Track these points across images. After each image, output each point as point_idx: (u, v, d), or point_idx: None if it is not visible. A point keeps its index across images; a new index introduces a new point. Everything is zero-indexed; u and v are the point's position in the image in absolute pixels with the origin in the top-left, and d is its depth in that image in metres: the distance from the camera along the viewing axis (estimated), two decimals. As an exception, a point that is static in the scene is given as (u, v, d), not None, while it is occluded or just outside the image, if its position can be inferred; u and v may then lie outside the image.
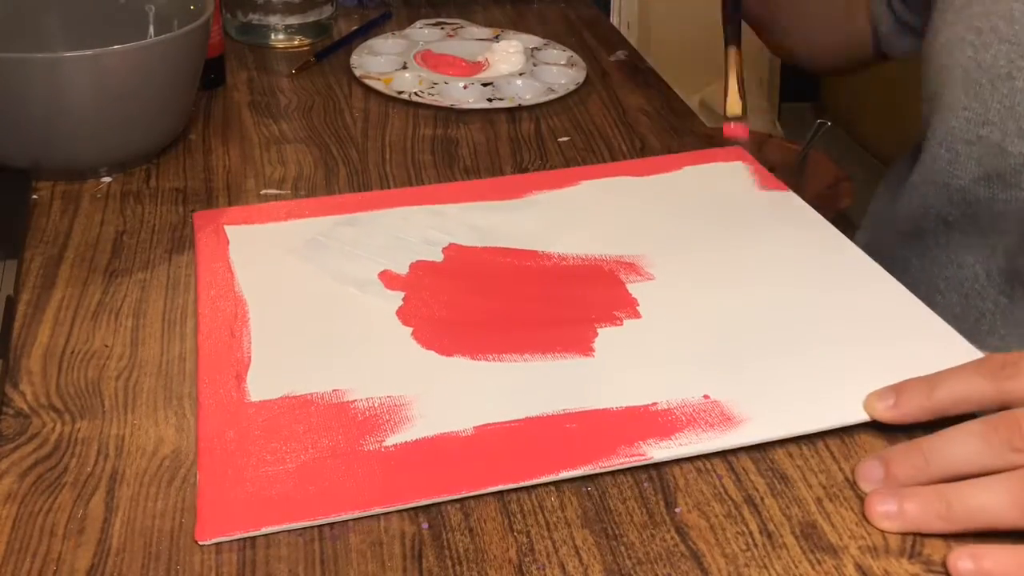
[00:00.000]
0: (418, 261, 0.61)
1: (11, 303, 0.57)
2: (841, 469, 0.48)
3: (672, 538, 0.44)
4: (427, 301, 0.58)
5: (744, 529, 0.45)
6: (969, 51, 0.65)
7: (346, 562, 0.43)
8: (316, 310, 0.57)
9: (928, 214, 0.71)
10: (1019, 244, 0.65)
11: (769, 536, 0.45)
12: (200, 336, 0.55)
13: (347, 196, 0.70)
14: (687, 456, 0.48)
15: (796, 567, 0.43)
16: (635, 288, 0.59)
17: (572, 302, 0.58)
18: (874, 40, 0.84)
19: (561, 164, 0.76)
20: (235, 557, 0.43)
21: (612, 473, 0.47)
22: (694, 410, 0.50)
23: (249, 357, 0.53)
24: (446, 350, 0.54)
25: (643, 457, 0.47)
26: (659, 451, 0.48)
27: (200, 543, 0.43)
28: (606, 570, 0.43)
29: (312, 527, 0.44)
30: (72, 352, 0.54)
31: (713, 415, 0.50)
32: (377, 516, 0.45)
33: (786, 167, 1.76)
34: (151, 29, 0.80)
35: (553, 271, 0.61)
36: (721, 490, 0.47)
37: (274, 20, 0.96)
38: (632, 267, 0.61)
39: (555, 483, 0.47)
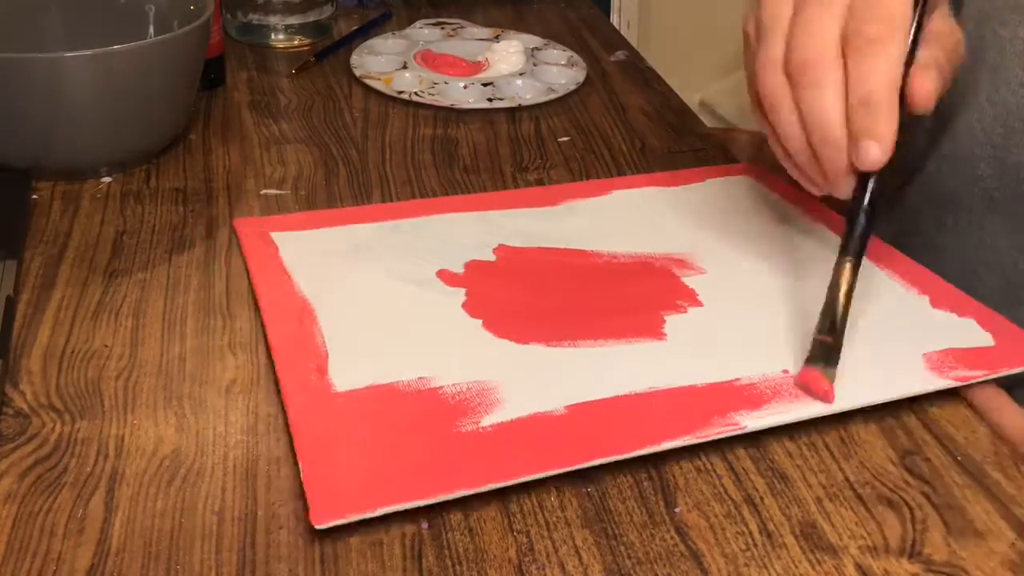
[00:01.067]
0: (472, 261, 0.62)
1: (11, 303, 0.57)
2: (841, 469, 0.48)
3: (672, 538, 0.44)
4: (490, 295, 0.59)
5: (744, 529, 0.45)
6: (1022, 31, 0.63)
7: (346, 562, 0.43)
8: (381, 305, 0.58)
9: (974, 189, 0.69)
10: None
11: (769, 536, 0.45)
12: (270, 335, 0.55)
13: (384, 206, 0.69)
14: (779, 425, 0.49)
15: (796, 567, 0.43)
16: (690, 281, 0.60)
17: (631, 293, 0.59)
18: None
19: (561, 164, 0.76)
20: (235, 557, 0.43)
21: (612, 473, 0.47)
22: (777, 383, 0.51)
23: (326, 351, 0.53)
24: (521, 338, 0.55)
25: (737, 427, 0.49)
26: (752, 421, 0.49)
27: (317, 527, 0.43)
28: (606, 570, 0.43)
29: (415, 508, 0.44)
30: (72, 352, 0.54)
31: (796, 388, 0.51)
32: (377, 516, 0.45)
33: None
34: (151, 29, 0.80)
35: (605, 267, 0.62)
36: (721, 490, 0.47)
37: (274, 20, 0.96)
38: (682, 263, 0.62)
39: (555, 484, 0.47)
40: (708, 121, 0.87)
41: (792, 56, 0.53)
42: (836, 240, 0.63)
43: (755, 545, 0.44)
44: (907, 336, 0.56)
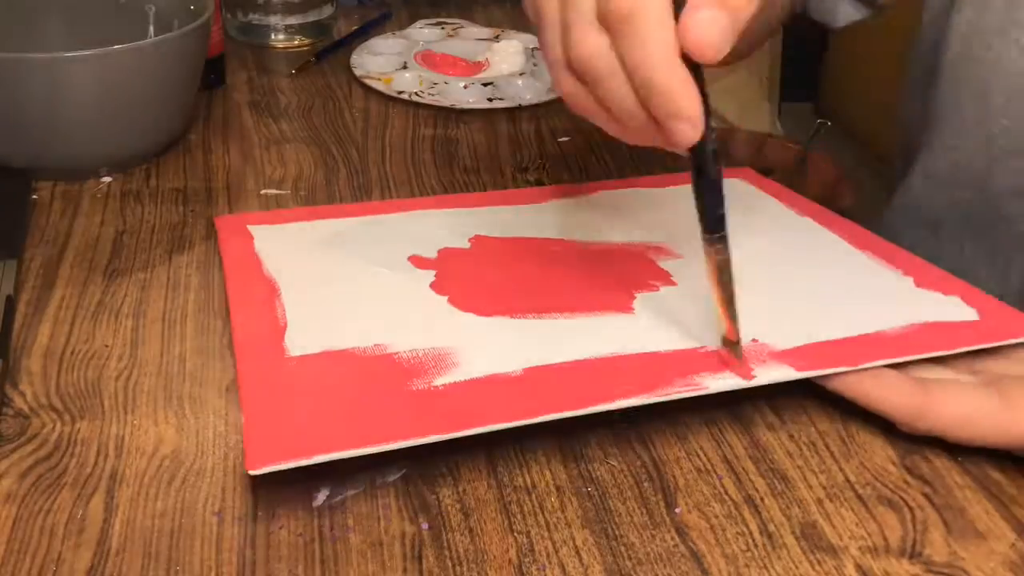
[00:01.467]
0: (446, 248, 0.62)
1: (11, 303, 0.57)
2: (841, 469, 0.48)
3: (672, 538, 0.44)
4: (460, 276, 0.58)
5: (744, 529, 0.45)
6: (1015, 52, 0.60)
7: (346, 562, 0.43)
8: (347, 284, 0.58)
9: (955, 212, 0.68)
10: None
11: (769, 536, 0.45)
12: (232, 310, 0.55)
13: (370, 203, 0.70)
14: (742, 388, 0.49)
15: (796, 567, 0.43)
16: (665, 263, 0.60)
17: (604, 273, 0.59)
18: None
19: (561, 164, 0.76)
20: (235, 557, 0.43)
21: (612, 473, 0.47)
22: (745, 351, 0.50)
23: (285, 323, 0.53)
24: (485, 311, 0.55)
25: (699, 387, 0.48)
26: (715, 382, 0.48)
27: (250, 472, 0.43)
28: (606, 570, 0.43)
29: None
30: (72, 352, 0.54)
31: (764, 355, 0.50)
32: (377, 516, 0.45)
33: (786, 167, 1.77)
34: (151, 29, 0.80)
35: (580, 252, 0.62)
36: (721, 490, 0.47)
37: (274, 20, 0.96)
38: (660, 249, 0.62)
39: (555, 484, 0.47)
40: (708, 121, 0.87)
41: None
42: (828, 236, 0.63)
43: (755, 546, 0.44)
44: (890, 312, 0.55)
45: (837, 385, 0.50)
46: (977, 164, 0.65)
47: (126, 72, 0.69)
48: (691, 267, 0.59)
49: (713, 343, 0.51)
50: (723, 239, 0.48)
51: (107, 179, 0.72)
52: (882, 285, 0.58)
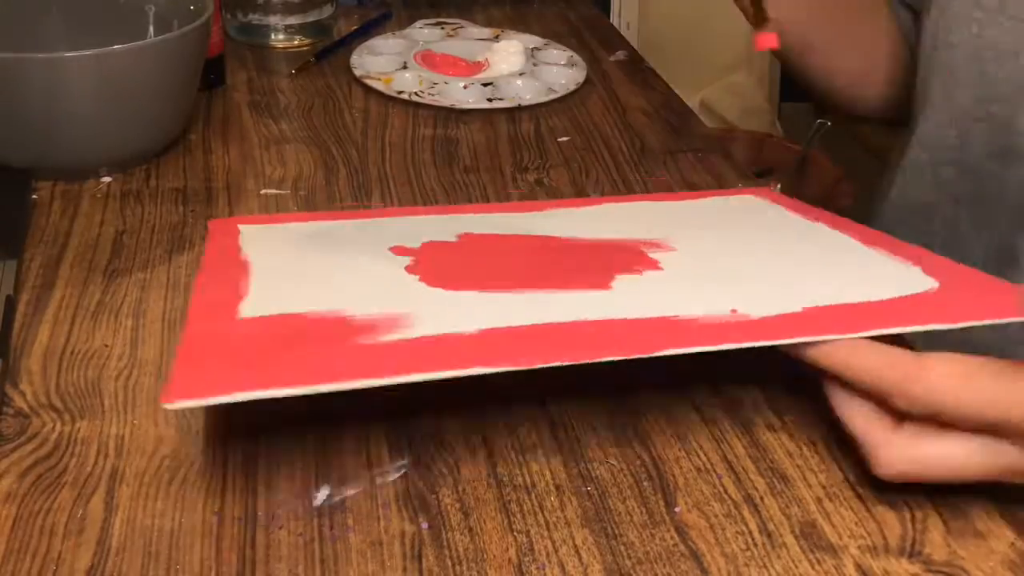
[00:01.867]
0: (432, 241, 0.60)
1: (11, 303, 0.57)
2: (841, 469, 0.48)
3: (672, 538, 0.44)
4: (438, 261, 0.56)
5: (744, 529, 0.45)
6: (974, 28, 0.65)
7: (346, 562, 0.43)
8: (321, 266, 0.56)
9: (940, 192, 0.70)
10: (1016, 220, 0.66)
11: (769, 536, 0.45)
12: (196, 285, 0.54)
13: (361, 211, 0.69)
14: (720, 350, 0.45)
15: (796, 567, 0.43)
16: (656, 255, 0.57)
17: (591, 259, 0.57)
18: (902, 47, 0.80)
19: (561, 164, 0.76)
20: (235, 557, 0.43)
21: (612, 473, 0.47)
22: (723, 320, 0.48)
23: (245, 293, 0.52)
24: (454, 286, 0.52)
25: (670, 349, 0.45)
26: (682, 349, 0.45)
27: (164, 405, 0.41)
28: (606, 570, 0.43)
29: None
30: (72, 352, 0.54)
31: (743, 324, 0.48)
32: (377, 516, 0.45)
33: (786, 167, 1.77)
34: (151, 29, 0.80)
35: (572, 245, 0.60)
36: (721, 490, 0.47)
37: (274, 20, 0.96)
38: (653, 244, 0.59)
39: (555, 483, 0.47)
40: (708, 121, 0.87)
41: None
42: (842, 240, 0.61)
43: (755, 545, 0.44)
44: (842, 280, 0.53)
45: (816, 356, 0.47)
46: (950, 139, 0.68)
47: (126, 72, 0.69)
48: (683, 257, 0.57)
49: (690, 310, 0.48)
50: None
51: (107, 179, 0.72)
52: (841, 255, 0.56)
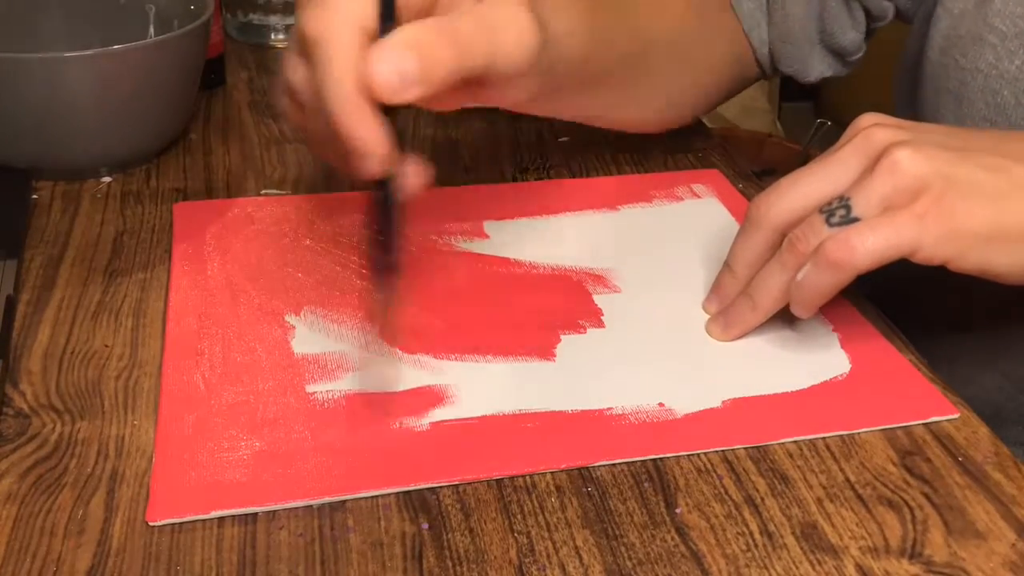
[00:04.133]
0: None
1: (11, 303, 0.57)
2: (841, 469, 0.48)
3: (672, 538, 0.44)
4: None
5: (744, 529, 0.45)
6: (990, 55, 0.62)
7: (346, 562, 0.43)
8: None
9: None
10: None
11: (769, 536, 0.45)
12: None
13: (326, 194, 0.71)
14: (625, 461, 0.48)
15: (796, 567, 0.43)
16: (601, 299, 0.59)
17: (538, 310, 0.58)
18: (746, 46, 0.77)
19: (561, 164, 0.76)
20: (235, 557, 0.43)
21: (612, 473, 0.47)
22: (648, 416, 0.50)
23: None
24: (408, 348, 0.55)
25: (586, 461, 0.48)
26: (605, 460, 0.48)
27: (151, 524, 0.44)
28: (606, 570, 0.43)
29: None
30: (72, 352, 0.54)
31: (669, 425, 0.50)
32: (377, 516, 0.45)
33: (786, 167, 1.77)
34: (151, 29, 0.80)
35: (524, 279, 0.61)
36: (721, 490, 0.47)
37: (274, 20, 0.96)
38: (600, 279, 0.61)
39: (556, 484, 0.47)
40: (708, 121, 0.87)
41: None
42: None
43: (756, 546, 0.44)
44: (759, 362, 0.55)
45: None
46: None
47: (126, 72, 0.69)
48: (623, 304, 0.59)
49: (619, 403, 0.51)
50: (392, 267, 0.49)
51: (107, 179, 0.72)
52: (805, 348, 0.57)
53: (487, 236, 0.65)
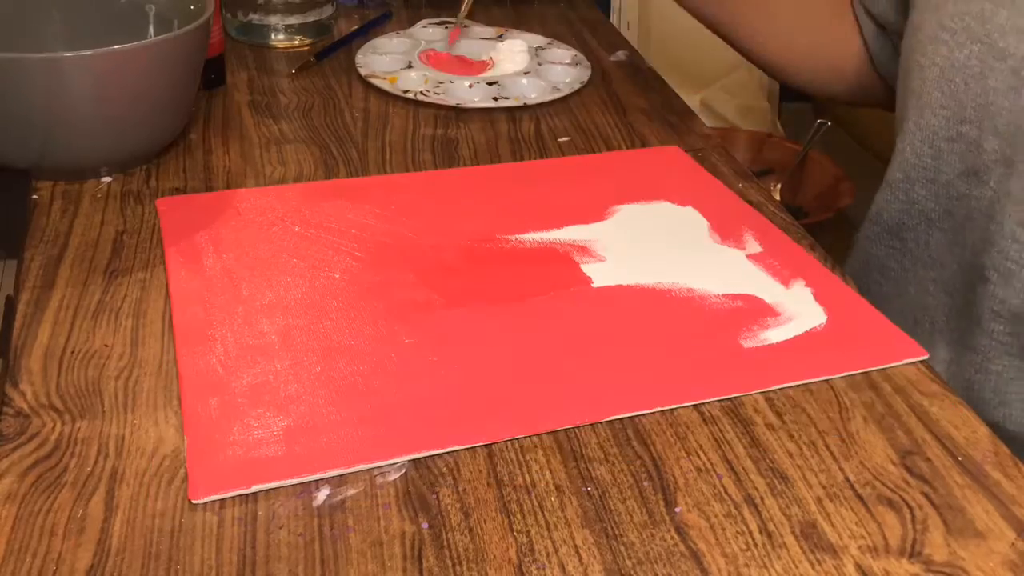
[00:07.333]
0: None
1: (11, 303, 0.57)
2: (841, 469, 0.48)
3: (672, 538, 0.44)
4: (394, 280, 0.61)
5: (744, 529, 0.45)
6: (944, 50, 0.68)
7: (346, 562, 0.43)
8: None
9: (912, 210, 0.72)
10: (984, 239, 0.67)
11: (769, 536, 0.45)
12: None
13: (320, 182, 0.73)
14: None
15: (796, 567, 0.43)
16: (588, 268, 0.63)
17: (531, 281, 0.62)
18: (865, 51, 0.83)
19: (561, 164, 0.76)
20: (235, 557, 0.43)
21: (612, 472, 0.47)
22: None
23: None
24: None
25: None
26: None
27: (193, 502, 0.45)
28: (606, 570, 0.43)
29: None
30: (72, 352, 0.54)
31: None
32: (377, 516, 0.45)
33: (786, 167, 1.77)
34: (151, 29, 0.80)
35: (512, 254, 0.64)
36: (721, 490, 0.47)
37: (274, 20, 0.96)
38: (584, 250, 0.65)
39: (555, 483, 0.47)
40: (708, 121, 0.87)
41: None
42: (723, 251, 0.66)
43: (755, 545, 0.44)
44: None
45: None
46: (924, 159, 0.71)
47: (126, 72, 0.69)
48: (611, 271, 0.63)
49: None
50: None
51: (107, 179, 0.72)
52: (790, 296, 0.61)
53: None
